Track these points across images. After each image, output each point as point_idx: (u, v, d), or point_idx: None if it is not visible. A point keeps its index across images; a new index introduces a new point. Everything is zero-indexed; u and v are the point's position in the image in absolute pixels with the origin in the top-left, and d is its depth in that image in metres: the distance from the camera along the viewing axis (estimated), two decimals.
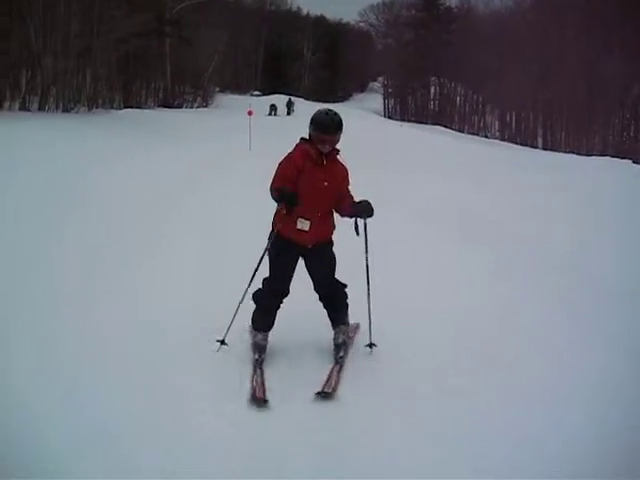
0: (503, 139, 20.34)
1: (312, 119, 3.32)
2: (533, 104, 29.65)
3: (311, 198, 3.30)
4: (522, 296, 4.40)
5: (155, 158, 8.76)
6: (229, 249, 4.90)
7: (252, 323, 3.56)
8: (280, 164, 3.35)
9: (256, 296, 3.49)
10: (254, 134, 11.98)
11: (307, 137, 3.37)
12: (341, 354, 3.55)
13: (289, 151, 3.40)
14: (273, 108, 25.97)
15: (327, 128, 3.28)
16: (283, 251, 3.40)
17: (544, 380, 3.16)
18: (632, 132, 22.76)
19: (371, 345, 3.59)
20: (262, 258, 3.42)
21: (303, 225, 3.36)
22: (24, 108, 14.09)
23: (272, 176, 3.32)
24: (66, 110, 14.94)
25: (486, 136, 20.57)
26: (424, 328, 3.80)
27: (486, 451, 2.60)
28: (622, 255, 6.28)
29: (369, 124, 12.34)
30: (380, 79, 49.93)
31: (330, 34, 48.05)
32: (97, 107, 16.48)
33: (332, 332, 3.57)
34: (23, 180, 6.44)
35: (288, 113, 26.64)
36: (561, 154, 15.76)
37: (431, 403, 2.99)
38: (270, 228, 3.42)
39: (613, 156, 15.10)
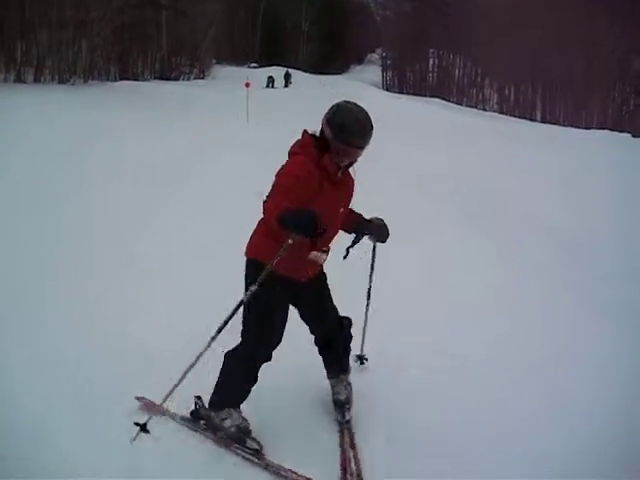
0: (502, 112, 20.23)
1: (335, 121, 2.48)
2: (532, 77, 29.50)
3: (327, 224, 2.47)
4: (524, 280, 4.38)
5: (151, 134, 8.69)
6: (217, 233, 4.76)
7: (219, 401, 2.61)
8: (284, 174, 2.48)
9: (236, 359, 2.58)
10: (252, 106, 11.90)
11: (316, 134, 2.56)
12: (347, 417, 2.82)
13: (292, 150, 2.59)
14: (270, 80, 25.75)
15: (362, 139, 2.48)
16: (278, 295, 2.55)
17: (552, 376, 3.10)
18: (632, 106, 22.63)
19: (361, 359, 3.17)
20: (236, 310, 2.49)
21: (319, 258, 2.63)
22: (19, 80, 13.83)
23: (269, 189, 2.46)
24: (62, 82, 14.67)
25: (484, 109, 20.45)
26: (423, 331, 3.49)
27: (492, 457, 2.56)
28: (620, 233, 6.33)
29: (366, 95, 12.23)
30: (378, 51, 49.53)
31: (328, 5, 47.43)
32: (93, 79, 16.27)
33: (327, 381, 2.90)
34: (19, 159, 6.36)
35: (286, 85, 26.45)
36: (559, 127, 15.72)
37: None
38: (243, 262, 2.59)
39: (612, 130, 15.06)
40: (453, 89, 39.24)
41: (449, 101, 17.86)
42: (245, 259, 2.63)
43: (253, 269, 2.53)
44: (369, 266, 3.05)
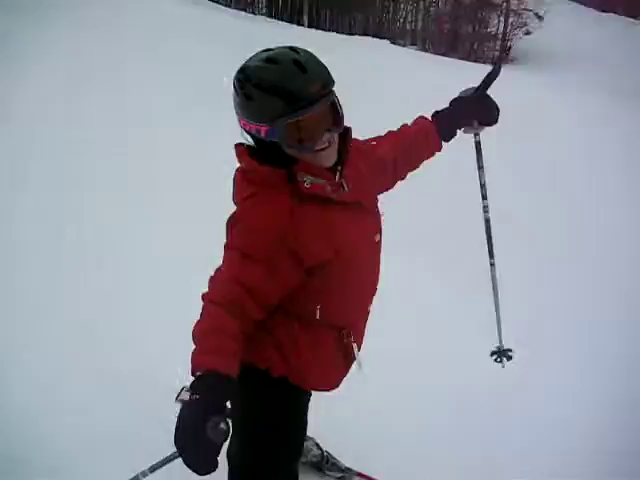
0: (270, 16, 20.09)
1: (258, 87, 1.54)
2: None
3: (349, 296, 1.72)
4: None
5: None
6: None
7: None
8: (233, 246, 1.60)
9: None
10: None
11: (252, 143, 1.66)
12: (342, 465, 2.57)
13: (238, 194, 1.68)
14: None
15: (310, 84, 1.54)
16: (296, 403, 1.82)
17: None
18: (390, 14, 23.73)
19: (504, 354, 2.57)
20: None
21: (352, 348, 1.77)
22: None
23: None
24: None
25: (253, 12, 20.12)
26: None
27: None
28: None
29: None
30: None
31: None
32: None
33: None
34: None
35: None
36: (325, 32, 16.04)
37: None
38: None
39: (373, 36, 15.73)
40: None
41: (217, 2, 17.18)
42: None
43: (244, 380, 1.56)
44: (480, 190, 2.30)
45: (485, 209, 2.36)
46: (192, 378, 1.49)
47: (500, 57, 18.76)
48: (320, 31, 16.07)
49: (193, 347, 1.53)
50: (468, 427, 2.80)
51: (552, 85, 11.11)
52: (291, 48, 1.60)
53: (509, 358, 2.53)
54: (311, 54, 1.63)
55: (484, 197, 2.35)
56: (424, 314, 3.66)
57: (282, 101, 1.51)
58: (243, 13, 17.45)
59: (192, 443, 1.35)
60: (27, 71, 6.78)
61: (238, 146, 1.71)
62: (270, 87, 1.52)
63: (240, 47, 9.14)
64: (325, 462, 2.62)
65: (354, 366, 1.87)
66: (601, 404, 3.11)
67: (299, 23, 19.66)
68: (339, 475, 2.61)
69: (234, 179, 1.73)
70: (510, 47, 19.50)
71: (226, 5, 18.56)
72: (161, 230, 4.36)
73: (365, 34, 17.35)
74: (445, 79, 9.41)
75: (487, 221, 2.36)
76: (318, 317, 1.68)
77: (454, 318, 3.66)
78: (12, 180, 4.73)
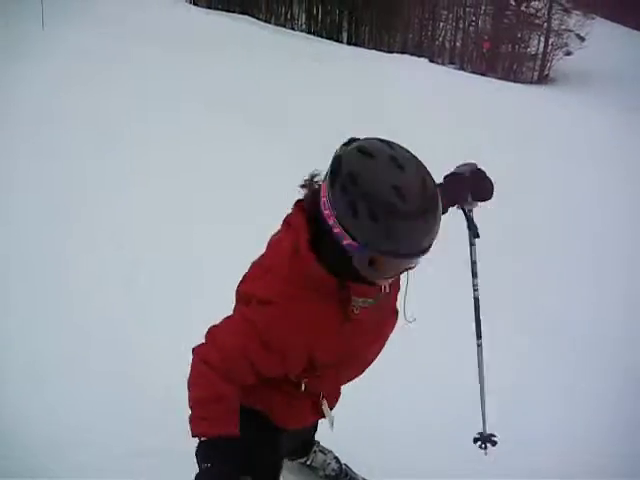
0: (310, 32, 20.26)
1: (365, 212, 1.31)
2: None
3: (341, 379, 1.78)
4: None
5: None
6: None
7: None
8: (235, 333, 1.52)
9: None
10: None
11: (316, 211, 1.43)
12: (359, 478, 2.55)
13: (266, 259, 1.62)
14: None
15: (423, 251, 1.36)
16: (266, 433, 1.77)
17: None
18: (430, 32, 23.76)
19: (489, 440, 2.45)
20: None
21: (326, 411, 1.82)
22: None
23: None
24: None
25: (293, 28, 20.31)
26: None
27: None
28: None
29: (174, 11, 11.55)
30: None
31: None
32: None
33: None
34: None
35: None
36: (364, 49, 16.12)
37: None
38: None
39: (412, 54, 15.76)
40: (262, 6, 38.51)
41: (258, 19, 17.42)
42: None
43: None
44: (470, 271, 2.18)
45: (475, 287, 2.22)
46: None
47: (539, 79, 18.60)
48: (359, 48, 16.16)
49: (190, 412, 1.53)
50: (468, 427, 2.77)
51: (592, 106, 10.98)
52: (423, 182, 1.35)
53: (493, 444, 2.41)
54: (437, 196, 1.38)
55: (474, 275, 2.21)
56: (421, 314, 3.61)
57: (392, 246, 1.34)
58: (283, 29, 17.66)
59: None
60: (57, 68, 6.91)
61: (298, 214, 1.53)
62: (388, 230, 1.32)
63: (279, 62, 9.26)
64: (344, 476, 2.60)
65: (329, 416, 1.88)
66: (601, 404, 3.09)
67: (338, 40, 19.79)
68: None
69: (273, 245, 1.63)
70: (550, 67, 19.33)
71: (265, 21, 18.82)
72: (166, 232, 4.36)
73: (404, 52, 17.38)
74: (483, 99, 9.41)
75: (476, 300, 2.23)
76: (303, 389, 1.69)
77: (452, 321, 3.61)
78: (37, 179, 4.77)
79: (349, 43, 19.47)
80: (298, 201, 1.58)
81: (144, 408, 2.75)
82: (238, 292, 1.69)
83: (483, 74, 15.68)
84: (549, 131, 8.13)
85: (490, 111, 8.66)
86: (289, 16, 21.20)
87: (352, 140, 1.45)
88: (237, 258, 1.86)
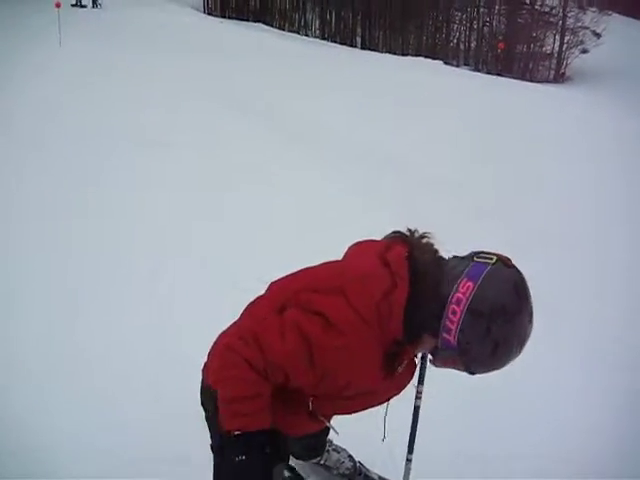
0: (323, 38, 20.32)
1: (488, 339, 1.42)
2: (352, 2, 29.89)
3: (348, 410, 1.81)
4: None
5: None
6: None
7: None
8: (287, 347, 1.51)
9: None
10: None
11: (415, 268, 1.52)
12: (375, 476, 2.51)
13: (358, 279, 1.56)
14: None
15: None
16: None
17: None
18: (444, 35, 23.71)
19: None
20: None
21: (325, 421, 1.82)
22: None
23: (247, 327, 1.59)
24: None
25: (307, 34, 20.38)
26: None
27: None
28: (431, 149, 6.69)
29: (186, 21, 11.65)
30: None
31: None
32: None
33: None
34: None
35: (94, 5, 24.39)
36: (378, 53, 16.16)
37: None
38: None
39: (426, 57, 15.74)
40: (275, 13, 38.78)
41: (272, 26, 17.53)
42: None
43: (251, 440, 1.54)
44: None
45: (418, 395, 2.04)
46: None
47: (555, 78, 18.49)
48: (374, 52, 16.19)
49: (227, 405, 1.55)
50: (468, 427, 2.76)
51: (609, 104, 10.88)
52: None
53: None
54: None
55: (420, 381, 2.00)
56: None
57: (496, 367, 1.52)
58: (297, 35, 17.73)
59: None
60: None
61: (403, 263, 1.55)
62: (493, 365, 1.52)
63: (294, 69, 9.28)
64: (358, 474, 2.59)
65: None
66: (602, 405, 3.06)
67: (352, 45, 19.83)
68: None
69: (358, 270, 1.61)
70: (566, 66, 19.23)
71: (279, 28, 18.92)
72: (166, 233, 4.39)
73: (418, 55, 17.36)
74: (499, 99, 9.37)
75: (416, 409, 2.07)
76: (310, 409, 1.69)
77: None
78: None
79: (363, 48, 19.50)
80: (398, 236, 1.67)
81: (151, 413, 2.75)
82: (294, 292, 1.63)
83: (499, 74, 15.62)
84: (567, 130, 8.08)
85: (506, 111, 8.63)
86: (302, 22, 21.29)
87: (484, 253, 1.51)
88: (261, 259, 1.88)
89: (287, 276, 1.76)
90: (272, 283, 1.77)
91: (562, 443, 2.76)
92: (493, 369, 1.52)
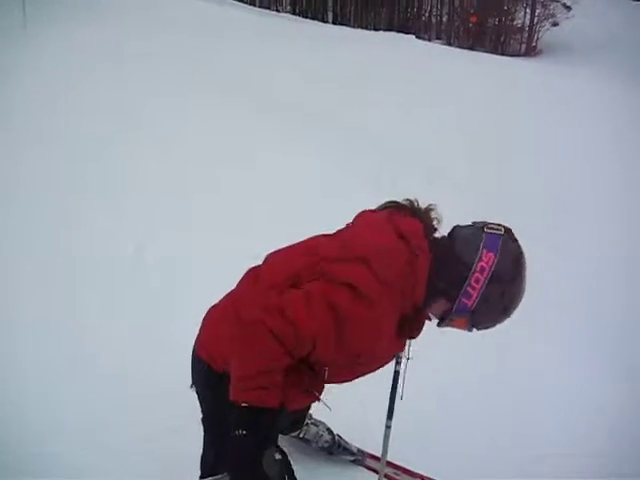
0: (294, 13, 20.09)
1: (497, 307, 1.65)
2: None
3: (360, 374, 1.86)
4: None
5: None
6: None
7: None
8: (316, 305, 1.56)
9: None
10: None
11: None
12: (354, 448, 2.62)
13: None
14: None
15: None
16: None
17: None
18: (415, 9, 23.55)
19: None
20: None
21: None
22: None
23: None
24: None
25: (277, 10, 20.13)
26: None
27: None
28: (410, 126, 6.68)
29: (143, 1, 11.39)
30: None
31: None
32: None
33: None
34: None
35: None
36: (350, 28, 16.03)
37: None
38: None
39: (398, 31, 15.66)
40: None
41: (242, 1, 17.26)
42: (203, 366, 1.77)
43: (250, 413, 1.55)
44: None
45: (398, 360, 2.09)
46: None
47: (527, 51, 18.53)
48: (345, 27, 16.03)
49: (244, 377, 1.56)
50: (467, 427, 2.80)
51: (579, 76, 10.95)
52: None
53: None
54: None
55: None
56: None
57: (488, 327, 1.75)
58: (267, 11, 17.49)
59: (250, 476, 1.49)
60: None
61: (420, 235, 1.70)
62: (510, 305, 1.70)
63: (264, 44, 9.18)
64: (337, 447, 2.63)
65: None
66: (602, 405, 3.10)
67: (323, 20, 19.63)
68: (351, 458, 2.62)
69: (374, 242, 1.68)
70: (537, 39, 19.25)
71: (250, 3, 18.64)
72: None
73: (390, 29, 17.26)
74: (471, 73, 9.37)
75: (396, 374, 2.14)
76: (325, 379, 1.77)
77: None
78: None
79: (334, 23, 19.31)
80: (404, 207, 1.79)
81: (153, 411, 2.74)
82: (309, 264, 1.67)
83: (471, 48, 15.60)
84: (538, 103, 8.11)
85: (479, 85, 8.63)
86: None
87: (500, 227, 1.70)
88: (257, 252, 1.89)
89: (285, 248, 1.81)
90: (269, 255, 1.79)
91: (563, 443, 2.78)
92: (494, 325, 1.73)
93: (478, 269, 1.61)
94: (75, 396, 2.79)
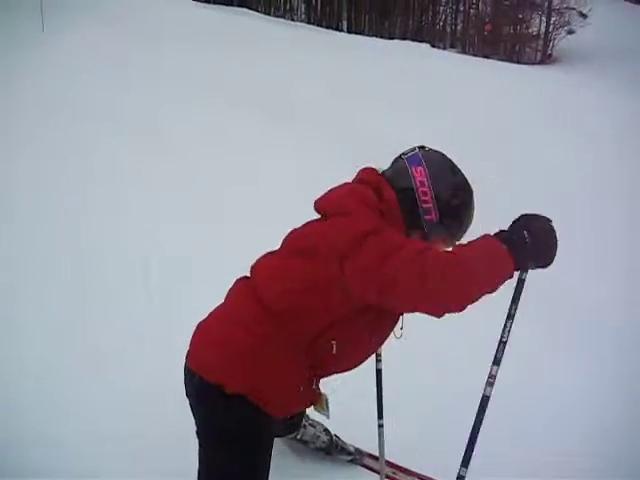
0: (309, 22, 20.16)
1: (453, 202, 1.77)
2: None
3: (365, 351, 1.95)
4: None
5: None
6: None
7: None
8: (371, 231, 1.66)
9: None
10: None
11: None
12: (351, 448, 2.65)
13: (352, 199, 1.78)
14: None
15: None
16: (267, 432, 1.84)
17: None
18: (430, 17, 23.57)
19: None
20: None
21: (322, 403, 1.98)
22: None
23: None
24: None
25: (292, 19, 20.21)
26: None
27: None
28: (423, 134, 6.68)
29: (173, 7, 11.50)
30: None
31: None
32: None
33: None
34: None
35: None
36: (364, 37, 16.05)
37: None
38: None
39: (413, 40, 15.66)
40: None
41: (257, 10, 17.35)
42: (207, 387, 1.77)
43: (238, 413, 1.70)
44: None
45: (378, 357, 2.27)
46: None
47: (542, 59, 18.45)
48: (360, 36, 16.07)
49: (476, 261, 1.66)
50: (467, 426, 2.79)
51: (595, 84, 10.89)
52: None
53: None
54: None
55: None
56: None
57: (463, 228, 1.88)
58: (282, 20, 17.57)
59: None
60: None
61: (375, 175, 1.88)
62: (461, 205, 1.84)
63: (280, 53, 9.24)
64: (335, 447, 2.63)
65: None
66: (602, 405, 3.08)
67: (338, 29, 19.68)
68: (349, 458, 2.61)
69: (347, 194, 1.83)
70: (553, 47, 19.16)
71: (265, 13, 18.73)
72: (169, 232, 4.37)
73: (405, 38, 17.26)
74: (486, 82, 9.36)
75: (379, 372, 2.28)
76: (334, 352, 1.81)
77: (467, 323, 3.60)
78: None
79: (349, 32, 19.34)
80: (366, 169, 1.97)
81: (155, 413, 2.75)
82: (340, 240, 1.74)
83: (486, 56, 15.56)
84: (554, 111, 8.08)
85: (494, 93, 8.62)
86: (288, 7, 21.06)
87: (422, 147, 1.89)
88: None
89: (273, 256, 1.98)
90: (258, 263, 1.93)
91: (562, 443, 2.78)
92: (468, 223, 1.86)
93: (418, 184, 1.79)
94: (76, 396, 2.79)
